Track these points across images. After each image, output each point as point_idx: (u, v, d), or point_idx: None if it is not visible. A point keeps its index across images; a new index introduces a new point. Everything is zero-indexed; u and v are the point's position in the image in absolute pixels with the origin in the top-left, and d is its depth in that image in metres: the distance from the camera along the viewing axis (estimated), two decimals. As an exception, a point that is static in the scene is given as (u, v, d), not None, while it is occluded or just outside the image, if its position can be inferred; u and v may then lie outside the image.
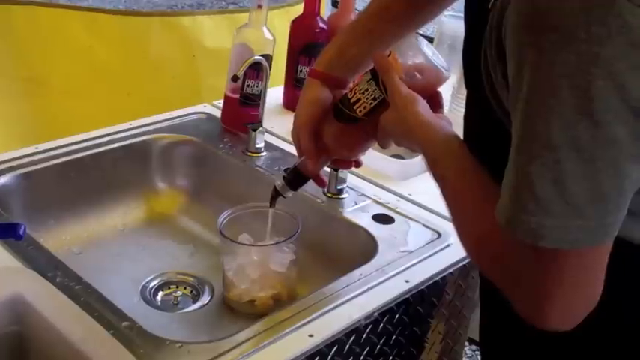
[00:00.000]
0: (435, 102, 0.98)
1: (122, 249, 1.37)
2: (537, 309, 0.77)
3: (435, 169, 0.91)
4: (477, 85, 0.85)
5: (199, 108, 1.65)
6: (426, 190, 1.39)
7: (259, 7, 1.52)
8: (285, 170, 1.18)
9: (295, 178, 1.16)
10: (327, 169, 1.36)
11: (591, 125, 0.67)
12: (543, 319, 0.77)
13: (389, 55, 0.99)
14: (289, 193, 1.17)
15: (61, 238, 1.33)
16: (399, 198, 1.37)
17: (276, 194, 1.18)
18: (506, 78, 0.75)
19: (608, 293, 0.77)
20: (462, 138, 0.93)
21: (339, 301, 1.07)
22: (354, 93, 1.03)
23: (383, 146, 1.04)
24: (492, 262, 0.82)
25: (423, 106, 0.94)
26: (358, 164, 1.17)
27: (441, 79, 1.00)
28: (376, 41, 1.10)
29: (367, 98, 1.01)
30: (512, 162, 0.74)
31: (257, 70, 1.51)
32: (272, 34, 1.53)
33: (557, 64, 0.67)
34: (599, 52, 0.66)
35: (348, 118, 1.04)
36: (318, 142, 1.09)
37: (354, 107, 1.03)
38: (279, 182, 1.17)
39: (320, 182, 1.19)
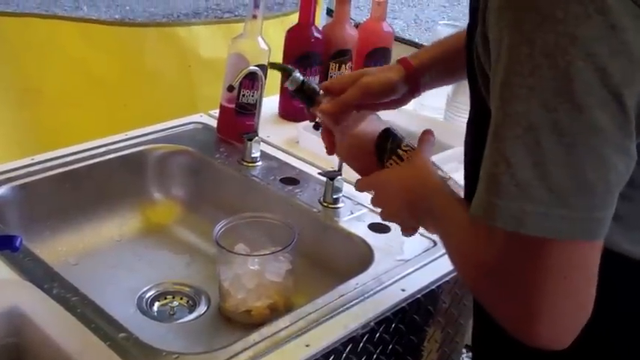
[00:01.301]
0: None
1: (118, 259, 1.37)
2: (529, 322, 0.74)
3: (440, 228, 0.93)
4: (474, 85, 0.85)
5: (195, 118, 1.66)
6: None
7: (254, 17, 1.53)
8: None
9: (309, 89, 1.13)
10: (323, 179, 1.37)
11: (572, 108, 0.67)
12: (535, 333, 0.74)
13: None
14: (292, 86, 1.13)
15: (57, 249, 1.33)
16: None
17: (285, 75, 1.14)
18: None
19: (598, 307, 0.75)
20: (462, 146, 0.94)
21: (335, 311, 1.07)
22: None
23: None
24: (481, 276, 0.80)
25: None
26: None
27: None
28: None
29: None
30: (491, 150, 0.72)
31: (252, 80, 1.52)
32: (267, 44, 1.54)
33: (536, 44, 0.67)
34: (577, 33, 0.65)
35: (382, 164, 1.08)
36: (354, 110, 1.09)
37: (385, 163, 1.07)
38: (298, 75, 1.13)
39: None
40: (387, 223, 1.30)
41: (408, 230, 1.05)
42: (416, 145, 1.06)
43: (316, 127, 1.29)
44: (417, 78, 1.10)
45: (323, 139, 1.14)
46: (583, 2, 0.65)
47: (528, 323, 0.75)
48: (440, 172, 1.02)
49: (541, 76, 0.67)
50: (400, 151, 1.05)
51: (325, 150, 1.15)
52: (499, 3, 0.71)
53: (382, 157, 1.07)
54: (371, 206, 1.35)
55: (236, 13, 6.28)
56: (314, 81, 1.14)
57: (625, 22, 0.66)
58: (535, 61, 0.67)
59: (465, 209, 0.82)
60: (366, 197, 1.39)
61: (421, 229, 1.28)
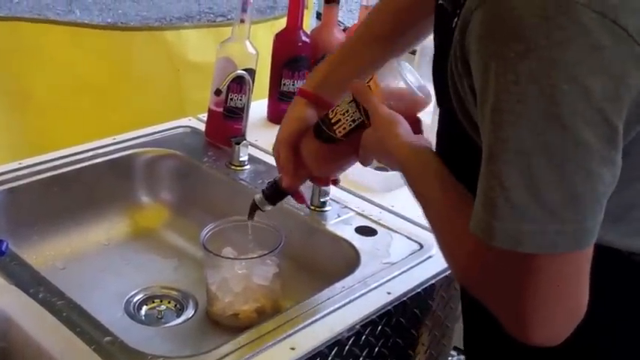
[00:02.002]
0: (414, 128, 0.98)
1: (106, 264, 1.37)
2: (521, 324, 0.77)
3: (415, 189, 0.92)
4: (446, 102, 0.86)
5: (183, 122, 1.66)
6: (408, 201, 1.38)
7: (242, 21, 1.53)
8: (268, 183, 1.19)
9: (274, 192, 1.17)
10: (311, 183, 1.37)
11: (560, 129, 0.69)
12: (527, 334, 0.77)
13: (370, 79, 1.00)
14: (268, 207, 1.19)
15: (44, 254, 1.33)
16: (381, 210, 1.38)
17: (254, 207, 1.20)
18: (474, 91, 0.77)
19: (591, 303, 0.77)
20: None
21: (321, 314, 1.07)
22: (335, 114, 1.04)
23: (364, 164, 1.05)
24: (480, 279, 0.82)
25: (403, 127, 0.95)
26: (335, 182, 1.20)
27: (419, 105, 1.01)
28: (362, 64, 1.13)
29: (347, 120, 1.03)
30: (485, 172, 0.74)
31: (240, 84, 1.52)
32: (255, 48, 1.54)
33: (522, 72, 0.69)
34: (561, 57, 0.68)
35: (328, 138, 1.06)
36: (298, 159, 1.11)
37: (334, 128, 1.04)
38: (258, 196, 1.19)
39: (298, 198, 1.21)
40: (373, 226, 1.31)
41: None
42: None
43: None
44: (322, 100, 1.13)
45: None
46: (564, 27, 0.67)
47: (521, 325, 0.77)
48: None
49: (528, 102, 0.69)
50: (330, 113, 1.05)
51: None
52: (480, 32, 0.72)
53: (320, 134, 1.06)
54: (358, 209, 1.37)
55: (229, 17, 6.27)
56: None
57: (603, 40, 0.68)
58: (522, 88, 0.69)
59: (456, 189, 0.86)
60: (354, 200, 1.40)
61: (404, 234, 1.30)
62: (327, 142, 1.06)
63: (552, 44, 0.67)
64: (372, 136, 0.98)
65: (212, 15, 6.53)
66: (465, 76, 0.79)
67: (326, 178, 1.18)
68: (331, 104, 1.10)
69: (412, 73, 1.01)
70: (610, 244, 0.82)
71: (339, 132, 1.04)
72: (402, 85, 1.00)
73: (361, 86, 1.00)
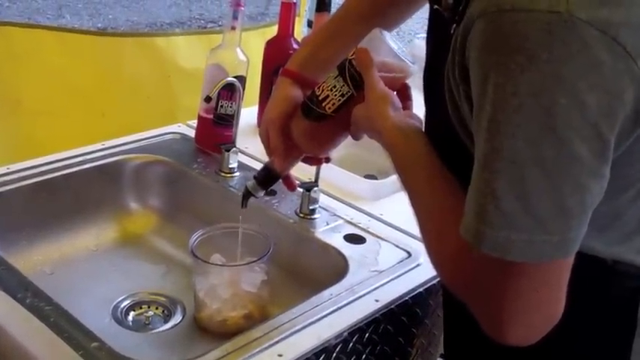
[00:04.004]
0: (403, 95, 1.00)
1: (94, 269, 1.36)
2: (498, 325, 0.79)
3: (402, 177, 0.93)
4: (436, 109, 0.87)
5: (173, 128, 1.66)
6: (397, 210, 1.41)
7: (233, 28, 1.54)
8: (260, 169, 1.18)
9: (265, 176, 1.16)
10: (300, 190, 1.38)
11: (555, 142, 0.70)
12: (504, 335, 0.79)
13: (353, 52, 1.00)
14: (260, 193, 1.18)
15: (32, 259, 1.33)
16: (370, 218, 1.38)
17: (247, 194, 1.18)
18: (470, 99, 0.77)
19: (575, 310, 0.79)
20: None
21: (308, 321, 1.08)
22: (322, 90, 1.04)
23: (355, 138, 1.04)
24: (462, 278, 0.83)
25: (394, 106, 0.94)
26: (328, 160, 1.18)
27: (408, 73, 1.02)
28: (348, 42, 1.11)
29: (335, 95, 1.02)
30: (477, 179, 0.75)
31: (231, 91, 1.52)
32: (246, 55, 1.55)
33: (522, 84, 0.70)
34: (562, 72, 0.69)
35: (317, 115, 1.04)
36: (288, 140, 1.10)
37: (323, 104, 1.03)
38: (250, 182, 1.18)
39: (289, 184, 1.19)
40: (362, 234, 1.32)
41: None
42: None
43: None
44: (307, 79, 1.12)
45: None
46: (567, 43, 0.68)
47: (498, 326, 0.79)
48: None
49: (526, 114, 0.70)
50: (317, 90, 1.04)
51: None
52: (481, 42, 0.73)
53: (308, 112, 1.05)
54: (347, 217, 1.37)
55: (219, 23, 6.28)
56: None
57: (603, 56, 0.69)
58: (520, 100, 0.70)
59: (445, 181, 0.87)
60: (342, 208, 1.41)
61: (393, 242, 1.31)
62: (317, 120, 1.05)
63: (554, 59, 0.68)
64: (363, 113, 0.97)
65: (203, 21, 6.53)
66: (462, 84, 0.79)
67: (318, 158, 1.17)
68: (316, 83, 1.09)
69: (395, 42, 1.01)
70: (595, 252, 0.83)
71: (329, 108, 1.03)
72: (388, 54, 0.99)
73: (366, 55, 0.97)
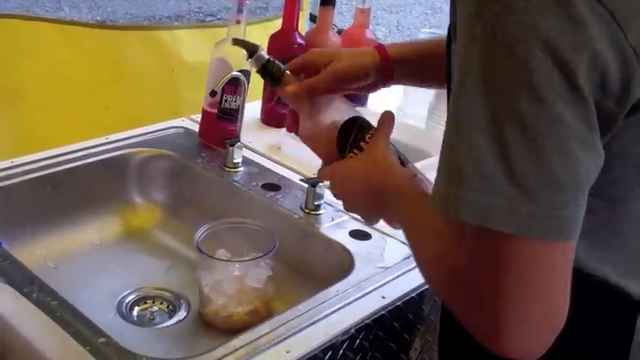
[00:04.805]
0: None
1: (98, 264, 1.36)
2: (495, 328, 0.72)
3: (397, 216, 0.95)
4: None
5: (177, 122, 1.65)
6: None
7: (237, 22, 1.53)
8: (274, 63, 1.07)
9: (272, 70, 1.06)
10: (305, 185, 1.37)
11: (534, 100, 0.66)
12: (503, 340, 0.72)
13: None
14: (255, 65, 1.07)
15: (36, 253, 1.32)
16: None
17: (251, 48, 1.06)
18: None
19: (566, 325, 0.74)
20: None
21: (315, 318, 1.07)
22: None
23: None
24: (449, 281, 0.78)
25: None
26: None
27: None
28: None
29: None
30: (451, 143, 0.71)
31: (235, 86, 1.52)
32: (250, 49, 1.54)
33: (499, 35, 0.67)
34: (539, 23, 0.65)
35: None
36: (317, 85, 1.06)
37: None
38: (264, 53, 1.06)
39: (288, 118, 1.11)
40: (367, 230, 1.31)
41: (371, 220, 1.06)
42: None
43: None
44: (392, 69, 1.10)
45: (287, 115, 1.11)
46: None
47: (496, 329, 0.73)
48: (408, 166, 1.01)
49: (502, 67, 0.67)
50: (362, 144, 1.01)
51: (286, 128, 1.12)
52: None
53: (344, 149, 1.03)
54: (353, 213, 1.37)
55: (218, 17, 6.27)
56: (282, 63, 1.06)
57: (588, 17, 0.65)
58: (497, 52, 0.67)
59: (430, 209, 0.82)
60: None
61: (398, 238, 1.30)
62: (339, 156, 1.05)
63: (531, 8, 0.65)
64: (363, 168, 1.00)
65: (201, 14, 6.52)
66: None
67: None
68: (393, 80, 1.12)
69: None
70: (587, 269, 0.79)
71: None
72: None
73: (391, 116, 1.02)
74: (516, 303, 0.71)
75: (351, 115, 1.05)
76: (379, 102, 1.88)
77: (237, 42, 1.09)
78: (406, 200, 0.92)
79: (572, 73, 0.66)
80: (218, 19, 6.11)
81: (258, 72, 1.07)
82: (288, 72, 1.06)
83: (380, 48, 1.10)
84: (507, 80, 0.67)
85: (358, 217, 1.33)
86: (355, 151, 1.01)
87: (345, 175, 1.03)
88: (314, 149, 1.08)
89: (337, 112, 1.06)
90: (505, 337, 0.72)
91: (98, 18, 6.02)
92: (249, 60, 1.06)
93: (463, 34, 0.71)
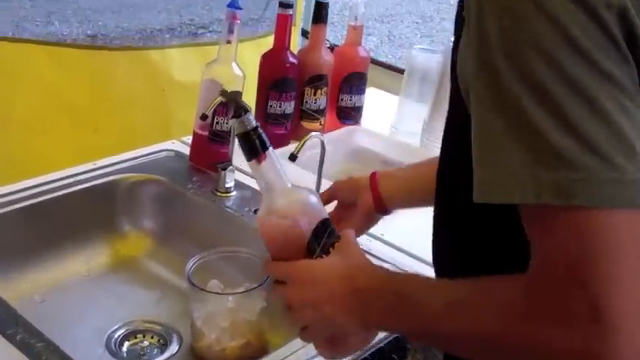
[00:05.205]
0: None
1: (86, 296, 1.32)
2: (600, 335, 0.61)
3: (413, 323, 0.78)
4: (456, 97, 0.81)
5: (167, 145, 1.61)
6: (399, 228, 1.37)
7: (228, 42, 1.50)
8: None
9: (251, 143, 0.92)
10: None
11: (580, 59, 0.62)
12: (611, 348, 0.61)
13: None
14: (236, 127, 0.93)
15: (22, 287, 1.28)
16: (371, 238, 1.34)
17: (234, 113, 0.92)
18: None
19: None
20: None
21: (312, 353, 1.03)
22: None
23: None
24: (536, 310, 0.66)
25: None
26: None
27: None
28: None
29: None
30: (501, 125, 0.65)
31: (226, 107, 1.48)
32: (242, 69, 1.51)
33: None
34: None
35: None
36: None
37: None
38: (250, 118, 0.92)
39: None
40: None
41: (335, 347, 0.89)
42: None
43: (292, 158, 1.25)
44: (386, 209, 1.15)
45: None
46: None
47: (601, 335, 0.61)
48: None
49: (540, 30, 0.63)
50: (332, 249, 0.90)
51: None
52: None
53: (313, 251, 0.90)
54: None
55: (210, 29, 6.23)
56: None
57: None
58: (531, 15, 0.63)
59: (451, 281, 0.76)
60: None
61: (396, 265, 1.26)
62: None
63: None
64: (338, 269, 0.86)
65: (193, 27, 6.48)
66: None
67: None
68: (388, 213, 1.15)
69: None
70: None
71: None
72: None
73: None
74: (619, 292, 0.61)
75: (324, 216, 0.94)
76: (373, 119, 1.86)
77: (224, 95, 1.03)
78: (419, 286, 0.80)
79: (609, 27, 0.63)
80: (210, 32, 6.07)
81: (237, 136, 0.94)
82: (271, 149, 0.93)
83: (375, 192, 1.14)
84: (544, 40, 0.63)
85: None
86: (323, 255, 0.90)
87: (317, 276, 0.86)
88: (270, 240, 0.94)
89: (309, 206, 0.94)
90: (611, 343, 0.61)
91: (89, 32, 5.98)
92: (233, 120, 0.94)
93: (477, 16, 0.67)
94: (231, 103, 0.95)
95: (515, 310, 0.67)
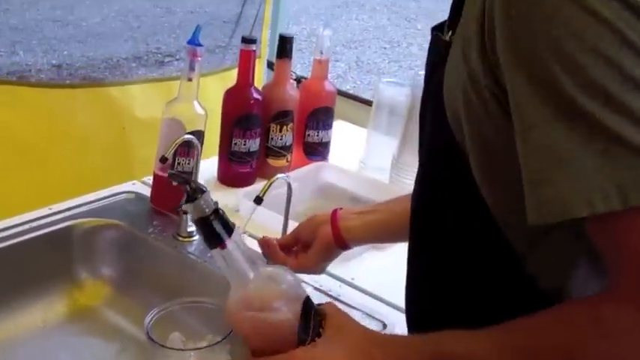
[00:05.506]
0: None
1: (42, 349, 1.26)
2: None
3: None
4: (437, 133, 0.80)
5: (127, 187, 1.55)
6: (369, 272, 1.33)
7: (189, 80, 1.45)
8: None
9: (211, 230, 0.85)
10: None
11: (634, 55, 0.63)
12: None
13: None
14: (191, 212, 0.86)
15: (-28, 342, 1.21)
16: (341, 283, 1.29)
17: (187, 196, 0.85)
18: (499, 94, 0.71)
19: None
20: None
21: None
22: None
23: None
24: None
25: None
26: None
27: None
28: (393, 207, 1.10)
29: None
30: (573, 132, 0.64)
31: (188, 147, 1.43)
32: (203, 107, 1.46)
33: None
34: None
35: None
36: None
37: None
38: (209, 201, 0.85)
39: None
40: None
41: None
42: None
43: (257, 201, 1.20)
44: (346, 244, 1.13)
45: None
46: None
47: None
48: None
49: (594, 34, 0.63)
50: (321, 330, 0.82)
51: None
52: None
53: (305, 337, 0.82)
54: (315, 284, 1.28)
55: (177, 57, 6.17)
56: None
57: None
58: (584, 21, 0.63)
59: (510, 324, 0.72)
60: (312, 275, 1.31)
61: (366, 311, 1.21)
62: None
63: None
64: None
65: (160, 55, 6.40)
66: (489, 74, 0.72)
67: None
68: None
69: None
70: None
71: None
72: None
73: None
74: None
75: (304, 295, 0.87)
76: (341, 153, 1.82)
77: (174, 177, 0.90)
78: (463, 345, 0.75)
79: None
80: (177, 60, 6.02)
81: (194, 222, 0.86)
82: (241, 231, 0.87)
83: (335, 231, 1.11)
84: (600, 42, 0.63)
85: (323, 287, 1.25)
86: (316, 338, 0.82)
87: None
88: (250, 335, 0.88)
89: (287, 289, 0.87)
90: None
91: (54, 62, 5.88)
92: (188, 205, 0.84)
93: (527, 35, 0.67)
94: (183, 185, 0.85)
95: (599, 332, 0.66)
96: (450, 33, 0.83)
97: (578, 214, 0.64)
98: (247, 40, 1.59)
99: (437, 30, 0.90)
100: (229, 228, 0.85)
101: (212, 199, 0.85)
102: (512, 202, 0.72)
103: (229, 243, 0.84)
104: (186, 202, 0.84)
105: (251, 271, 0.87)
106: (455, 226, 0.81)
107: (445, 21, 0.89)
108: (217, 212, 0.84)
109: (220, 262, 0.87)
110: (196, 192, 0.83)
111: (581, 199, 0.63)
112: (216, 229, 0.84)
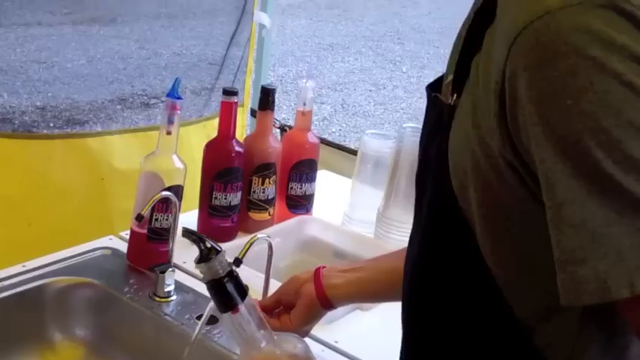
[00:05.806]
0: None
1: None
2: None
3: None
4: (441, 191, 0.77)
5: (104, 242, 1.51)
6: (354, 335, 1.29)
7: (168, 133, 1.42)
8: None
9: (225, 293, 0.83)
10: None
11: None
12: None
13: None
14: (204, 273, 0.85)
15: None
16: (324, 347, 1.25)
17: (201, 255, 0.84)
18: (517, 165, 0.68)
19: None
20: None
21: None
22: None
23: None
24: None
25: None
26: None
27: None
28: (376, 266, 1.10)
29: None
30: (610, 210, 0.62)
31: (166, 203, 1.39)
32: (183, 161, 1.43)
33: (608, 75, 0.62)
34: None
35: None
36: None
37: None
38: (224, 262, 0.85)
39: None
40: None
41: None
42: None
43: (237, 263, 1.16)
44: (330, 304, 1.09)
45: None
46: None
47: None
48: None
49: (625, 103, 0.62)
50: None
51: None
52: (537, 62, 0.64)
53: None
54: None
55: (162, 99, 6.17)
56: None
57: None
58: (620, 93, 0.62)
59: None
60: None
61: None
62: None
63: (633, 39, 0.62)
64: None
65: (145, 97, 6.38)
66: (508, 144, 0.69)
67: None
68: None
69: None
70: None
71: None
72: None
73: None
74: None
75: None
76: (325, 204, 1.79)
77: (187, 235, 0.86)
78: None
79: None
80: (162, 102, 6.01)
81: (206, 284, 0.83)
82: (253, 298, 0.84)
83: (319, 292, 1.08)
84: (609, 93, 0.61)
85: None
86: None
87: None
88: None
89: (299, 352, 0.90)
90: None
91: (38, 103, 5.85)
92: (199, 265, 0.82)
93: (552, 106, 0.64)
94: (197, 244, 0.82)
95: None
96: (454, 96, 0.79)
97: (617, 296, 0.61)
98: (228, 92, 1.56)
99: (433, 89, 0.86)
100: (243, 291, 0.81)
101: (226, 260, 0.81)
102: (524, 273, 0.70)
103: (242, 307, 0.80)
104: (199, 261, 0.80)
105: (263, 338, 0.83)
106: (456, 294, 0.79)
107: (440, 78, 0.87)
108: (232, 274, 0.80)
109: (230, 327, 0.83)
110: (211, 252, 0.80)
111: (622, 279, 0.61)
112: (229, 292, 0.80)
